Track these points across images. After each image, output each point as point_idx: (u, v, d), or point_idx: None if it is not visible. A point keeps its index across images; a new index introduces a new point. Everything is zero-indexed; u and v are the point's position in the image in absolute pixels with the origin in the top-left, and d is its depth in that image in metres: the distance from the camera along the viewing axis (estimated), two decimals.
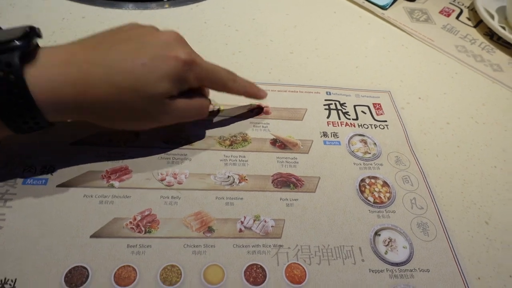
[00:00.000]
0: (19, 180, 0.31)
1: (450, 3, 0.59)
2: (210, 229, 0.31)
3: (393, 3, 0.56)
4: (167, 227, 0.30)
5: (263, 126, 0.38)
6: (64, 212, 0.30)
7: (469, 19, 0.57)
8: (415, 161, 0.38)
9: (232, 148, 0.36)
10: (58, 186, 0.31)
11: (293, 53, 0.47)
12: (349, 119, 0.41)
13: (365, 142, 0.39)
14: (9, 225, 0.28)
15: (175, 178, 0.33)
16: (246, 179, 0.34)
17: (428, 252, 0.32)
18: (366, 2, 0.56)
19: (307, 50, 0.48)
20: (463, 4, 0.59)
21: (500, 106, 0.45)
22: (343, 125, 0.40)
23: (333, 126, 0.40)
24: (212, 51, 0.45)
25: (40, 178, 0.31)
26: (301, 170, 0.36)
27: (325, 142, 0.38)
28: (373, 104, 0.43)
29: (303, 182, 0.35)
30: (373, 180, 0.36)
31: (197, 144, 0.36)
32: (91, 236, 0.29)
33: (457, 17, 0.57)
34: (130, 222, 0.30)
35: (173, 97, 0.31)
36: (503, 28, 0.53)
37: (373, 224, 0.33)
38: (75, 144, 0.33)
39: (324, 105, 0.42)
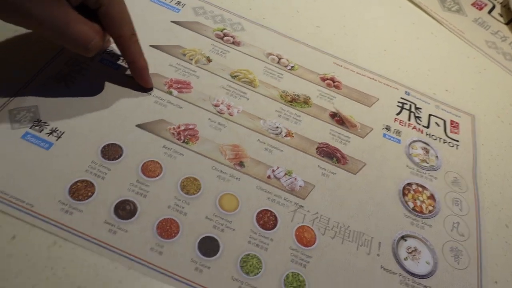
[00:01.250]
0: (98, 57, 0.34)
1: None
2: (241, 164, 0.31)
3: None
4: (203, 145, 0.31)
5: (328, 97, 0.37)
6: (124, 97, 0.32)
7: (501, 15, 0.54)
8: (473, 190, 0.34)
9: (291, 105, 0.36)
10: (126, 75, 0.33)
11: (320, 28, 0.44)
12: (419, 124, 0.38)
13: (427, 151, 0.36)
14: (77, 88, 0.31)
15: (228, 108, 0.34)
16: (293, 136, 0.34)
17: (452, 279, 0.29)
18: None
19: (334, 25, 0.45)
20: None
21: None
22: (410, 127, 0.38)
23: (400, 124, 0.38)
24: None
25: (116, 64, 0.34)
26: (350, 150, 0.34)
27: (384, 135, 0.36)
28: (451, 121, 0.39)
29: (347, 161, 0.33)
30: (420, 189, 0.33)
31: (260, 89, 0.36)
32: (137, 125, 0.31)
33: (489, 12, 0.54)
34: (173, 128, 0.31)
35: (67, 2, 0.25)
36: None
37: (403, 228, 0.31)
38: (153, 47, 0.36)
39: (398, 102, 0.39)
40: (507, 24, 0.54)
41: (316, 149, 0.33)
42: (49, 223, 0.25)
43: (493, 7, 0.55)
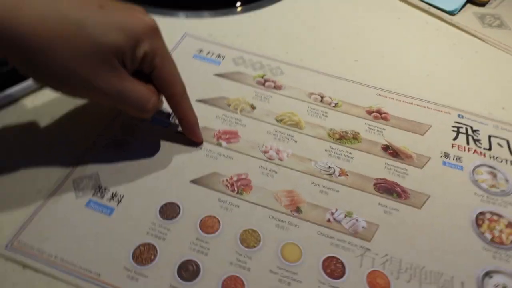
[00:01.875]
0: (149, 118, 0.35)
1: None
2: (298, 210, 0.30)
3: (461, 8, 0.51)
4: (258, 194, 0.31)
5: (378, 130, 0.36)
6: (176, 154, 0.33)
7: None
8: None
9: (340, 142, 0.35)
10: (176, 132, 0.34)
11: (358, 61, 0.44)
12: (480, 147, 0.36)
13: (495, 176, 0.33)
14: (132, 151, 0.32)
15: (278, 154, 0.33)
16: (347, 174, 0.32)
17: None
18: (432, 8, 0.52)
19: (372, 56, 0.44)
20: None
21: None
22: (471, 152, 0.35)
23: (458, 149, 0.35)
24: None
25: (165, 121, 0.35)
26: (409, 183, 0.32)
27: (444, 163, 0.34)
28: None
29: (408, 195, 0.31)
30: (495, 217, 0.31)
31: (306, 130, 0.36)
32: (191, 181, 0.31)
33: None
34: (227, 180, 0.31)
35: (124, 66, 0.26)
36: None
37: (485, 263, 0.28)
38: (199, 101, 0.37)
39: (453, 126, 0.37)
40: None
41: (374, 185, 0.32)
42: None
43: None
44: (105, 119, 0.35)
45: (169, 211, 0.29)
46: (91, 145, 0.33)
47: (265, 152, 0.34)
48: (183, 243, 0.27)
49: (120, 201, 0.29)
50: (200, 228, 0.28)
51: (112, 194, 0.30)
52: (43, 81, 0.27)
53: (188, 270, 0.26)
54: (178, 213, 0.29)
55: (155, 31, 0.27)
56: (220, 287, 0.25)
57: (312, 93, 0.39)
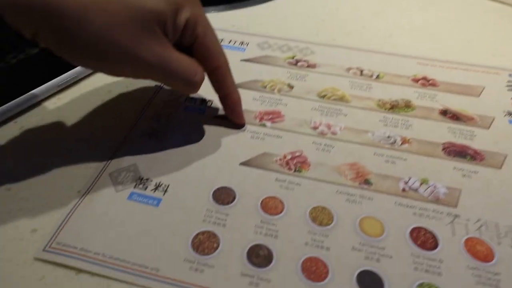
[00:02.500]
0: (181, 106, 0.32)
1: None
2: (367, 182, 0.26)
3: None
4: (318, 170, 0.27)
5: (429, 97, 0.33)
6: (218, 138, 0.29)
7: None
8: None
9: (393, 111, 0.32)
10: (215, 117, 0.31)
11: (392, 36, 0.42)
12: None
13: None
14: (170, 140, 0.29)
15: (329, 128, 0.30)
16: (410, 142, 0.29)
17: None
18: None
19: (406, 30, 0.42)
20: None
21: None
22: None
23: None
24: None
25: (199, 108, 0.32)
26: (480, 144, 0.29)
27: (510, 121, 0.31)
28: None
29: (483, 156, 0.28)
30: None
31: (353, 103, 0.33)
32: (241, 164, 0.27)
33: None
34: (280, 159, 0.28)
35: (166, 36, 0.24)
36: None
37: None
38: None
39: (508, 85, 0.35)
40: None
41: (442, 150, 0.29)
42: (181, 286, 0.21)
43: None
44: (136, 111, 0.32)
45: (224, 196, 0.25)
46: (124, 138, 0.29)
47: (315, 128, 0.30)
48: (247, 227, 0.24)
49: (166, 190, 0.26)
50: (263, 210, 0.25)
51: (156, 184, 0.26)
52: (80, 58, 0.23)
53: (259, 256, 0.22)
54: (234, 197, 0.25)
55: (196, 0, 0.25)
56: (300, 270, 0.22)
57: (350, 68, 0.37)
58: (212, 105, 0.32)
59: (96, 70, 0.24)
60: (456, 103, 0.33)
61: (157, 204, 0.25)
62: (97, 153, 0.28)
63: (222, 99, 0.29)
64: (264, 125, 0.30)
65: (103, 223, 0.24)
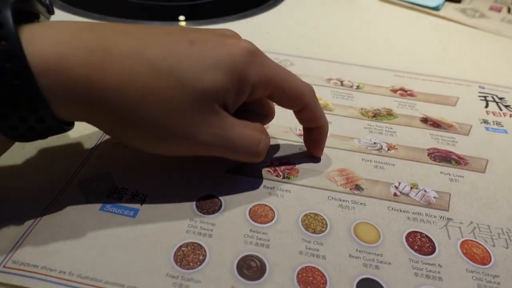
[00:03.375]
0: None
1: (494, 1, 0.60)
2: (358, 187, 0.25)
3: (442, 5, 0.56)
4: (307, 177, 0.26)
5: (409, 105, 0.34)
6: None
7: None
8: None
9: (376, 119, 0.32)
10: None
11: (371, 51, 0.43)
12: None
13: None
14: None
15: None
16: (396, 148, 0.29)
17: None
18: (416, 6, 0.55)
19: (382, 46, 0.44)
20: (506, 3, 0.59)
21: None
22: (507, 116, 0.34)
23: (494, 115, 0.34)
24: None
25: None
26: (462, 150, 0.29)
27: (487, 129, 0.32)
28: None
29: (467, 161, 0.28)
30: None
31: (337, 111, 0.32)
32: (226, 171, 0.26)
33: (509, 12, 0.56)
34: (267, 166, 0.26)
35: (226, 109, 0.22)
36: None
37: None
38: None
39: (479, 96, 0.36)
40: None
41: (428, 156, 0.29)
42: None
43: (510, 9, 0.56)
44: None
45: (208, 204, 0.23)
46: (98, 144, 0.27)
47: (300, 135, 0.29)
48: (236, 237, 0.22)
49: (144, 200, 0.23)
50: (252, 219, 0.23)
51: (133, 193, 0.23)
52: (134, 144, 0.22)
53: (251, 268, 0.20)
54: (220, 206, 0.23)
55: (255, 54, 0.22)
56: (296, 281, 0.20)
57: (330, 79, 0.37)
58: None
59: (151, 152, 0.22)
60: (435, 111, 0.33)
61: (134, 215, 0.22)
62: (66, 160, 0.25)
63: (309, 130, 0.27)
64: None
65: (70, 237, 0.21)
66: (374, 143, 0.29)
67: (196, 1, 0.52)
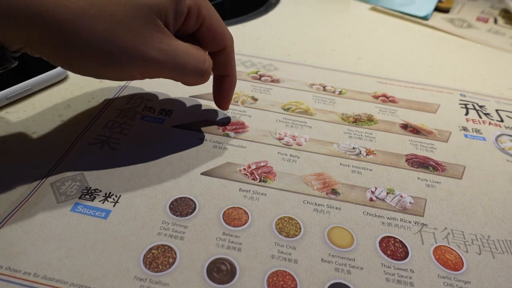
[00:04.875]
0: (138, 116, 0.30)
1: (481, 12, 0.60)
2: (334, 192, 0.25)
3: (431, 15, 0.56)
4: (284, 180, 0.26)
5: (390, 112, 0.34)
6: (177, 148, 0.27)
7: (506, 23, 0.57)
8: None
9: (356, 124, 0.32)
10: (174, 126, 0.29)
11: (359, 58, 0.43)
12: (492, 119, 0.35)
13: None
14: (123, 149, 0.26)
15: (294, 139, 0.29)
16: (375, 153, 0.29)
17: None
18: (406, 15, 0.55)
19: (373, 56, 0.44)
20: (492, 14, 0.60)
21: None
22: (486, 124, 0.34)
23: (474, 123, 0.34)
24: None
25: (158, 118, 0.30)
26: (440, 156, 0.30)
27: (466, 136, 0.32)
28: None
29: (444, 167, 0.29)
30: None
31: (318, 116, 0.32)
32: (202, 173, 0.25)
33: (495, 23, 0.57)
34: (244, 169, 0.26)
35: (167, 27, 0.23)
36: None
37: None
38: (193, 97, 0.32)
39: (460, 104, 0.36)
40: None
41: (406, 161, 0.29)
42: None
43: (496, 20, 0.57)
44: (86, 119, 0.29)
45: (182, 206, 0.23)
46: (72, 145, 0.26)
47: (280, 139, 0.29)
48: (208, 240, 0.21)
49: (117, 201, 0.23)
50: (225, 221, 0.22)
51: (106, 194, 0.23)
52: (81, 65, 0.21)
53: (221, 271, 0.20)
54: (193, 208, 0.23)
55: None
56: (266, 285, 0.20)
57: (313, 84, 0.37)
58: (172, 115, 0.30)
59: (100, 77, 0.22)
60: (415, 118, 0.34)
61: (106, 216, 0.22)
62: (39, 162, 0.25)
63: (220, 80, 0.28)
64: (227, 135, 0.29)
65: (38, 238, 0.20)
66: (353, 148, 0.29)
67: None
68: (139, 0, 0.21)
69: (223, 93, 0.28)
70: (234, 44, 0.27)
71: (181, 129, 0.29)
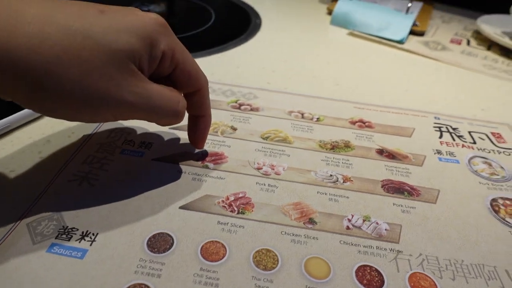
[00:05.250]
0: (118, 150, 0.30)
1: (455, 34, 0.63)
2: (312, 221, 0.26)
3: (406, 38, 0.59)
4: (262, 211, 0.26)
5: (366, 137, 0.35)
6: (156, 182, 0.27)
7: (479, 44, 0.60)
8: None
9: (334, 151, 0.33)
10: (154, 160, 0.29)
11: (337, 84, 0.45)
12: (466, 142, 0.36)
13: (490, 165, 0.33)
14: (102, 184, 0.27)
15: (273, 169, 0.30)
16: (351, 180, 0.30)
17: None
18: (383, 39, 0.57)
19: (351, 81, 0.46)
20: (465, 36, 0.63)
21: None
22: (459, 146, 0.35)
23: (447, 146, 0.35)
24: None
25: (138, 151, 0.30)
26: (415, 181, 0.30)
27: (440, 159, 0.33)
28: (492, 133, 0.37)
29: (419, 192, 0.29)
30: (508, 202, 0.29)
31: (296, 144, 0.33)
32: (180, 207, 0.26)
33: (468, 44, 0.59)
34: (223, 201, 0.27)
35: (141, 71, 0.23)
36: None
37: None
38: (173, 128, 0.33)
39: (434, 127, 0.37)
40: (488, 49, 0.58)
41: (382, 187, 0.29)
42: None
43: (469, 41, 0.60)
44: (64, 156, 0.29)
45: (160, 243, 0.23)
46: (49, 184, 0.26)
47: (258, 168, 0.30)
48: (185, 277, 0.21)
49: (94, 240, 0.23)
50: (203, 257, 0.23)
51: (82, 233, 0.23)
52: (55, 110, 0.22)
53: None
54: (171, 244, 0.23)
55: (165, 26, 0.24)
56: None
57: (291, 111, 0.37)
58: (152, 147, 0.31)
59: (74, 120, 0.23)
60: (391, 143, 0.35)
61: (82, 256, 0.22)
62: (14, 202, 0.25)
63: (194, 120, 0.29)
64: (206, 167, 0.29)
65: (12, 281, 0.20)
66: (331, 175, 0.30)
67: None
68: (113, 46, 0.21)
69: (198, 133, 0.29)
70: (209, 82, 0.28)
71: (161, 161, 0.29)
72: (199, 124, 0.29)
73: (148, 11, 0.24)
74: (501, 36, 0.57)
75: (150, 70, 0.24)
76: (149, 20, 0.23)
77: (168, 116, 0.25)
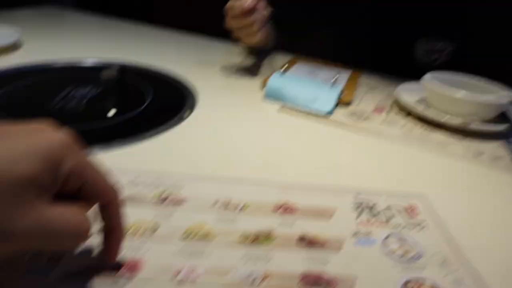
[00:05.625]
0: (22, 271, 0.28)
1: (378, 102, 0.67)
2: None
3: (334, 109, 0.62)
4: None
5: (288, 224, 0.36)
6: None
7: (399, 112, 0.64)
8: (466, 262, 0.33)
9: (255, 244, 0.33)
10: (63, 278, 0.28)
11: (267, 164, 0.46)
12: (382, 220, 0.38)
13: (404, 242, 0.35)
14: None
15: (192, 273, 0.29)
16: (270, 277, 0.30)
17: None
18: (312, 113, 0.60)
19: (279, 159, 0.47)
20: (387, 104, 0.67)
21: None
22: (374, 226, 0.37)
23: (365, 226, 0.36)
24: None
25: (44, 269, 0.29)
26: (333, 270, 0.31)
27: (358, 242, 0.34)
28: (406, 206, 0.40)
29: (336, 282, 0.30)
30: (420, 281, 0.30)
31: (218, 240, 0.33)
32: None
33: (388, 113, 0.64)
34: None
35: (42, 196, 0.22)
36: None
37: None
38: None
39: (354, 205, 0.39)
40: (408, 115, 0.63)
41: (301, 281, 0.30)
42: None
43: (390, 109, 0.65)
44: None
45: None
46: None
47: (176, 274, 0.29)
48: None
49: None
50: None
51: None
52: None
53: None
54: None
55: (72, 146, 0.24)
56: None
57: (217, 201, 0.38)
58: (61, 262, 0.29)
59: None
60: (312, 227, 0.36)
61: None
62: None
63: (107, 233, 0.28)
64: (119, 280, 0.28)
65: None
66: (248, 275, 0.30)
67: (92, 126, 0.52)
68: (11, 171, 0.21)
69: (110, 247, 0.29)
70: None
71: (72, 278, 0.28)
72: (112, 238, 0.28)
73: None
74: (417, 104, 0.62)
75: (54, 190, 0.24)
76: (53, 140, 0.23)
77: (71, 239, 0.24)
